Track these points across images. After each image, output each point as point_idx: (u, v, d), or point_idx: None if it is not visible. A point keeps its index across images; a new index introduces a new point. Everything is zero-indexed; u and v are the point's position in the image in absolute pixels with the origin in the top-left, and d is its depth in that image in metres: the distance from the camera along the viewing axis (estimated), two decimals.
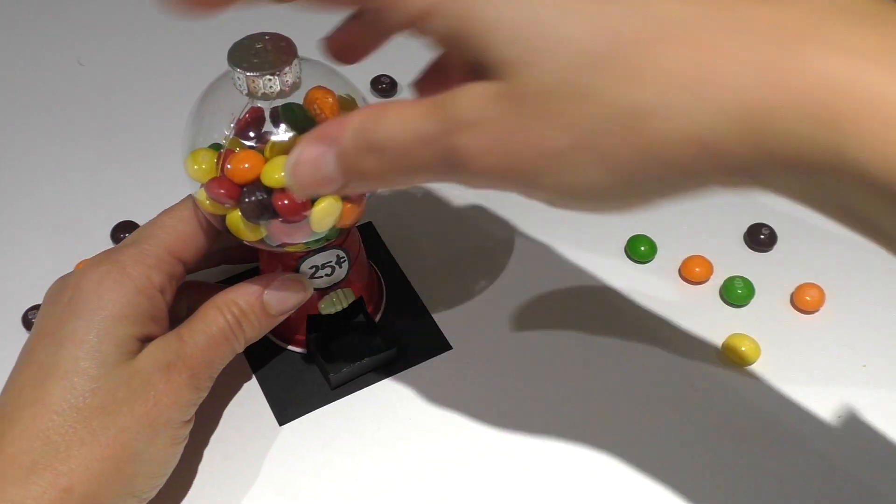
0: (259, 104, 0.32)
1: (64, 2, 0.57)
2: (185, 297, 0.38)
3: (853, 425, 0.39)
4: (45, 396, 0.31)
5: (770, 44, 0.18)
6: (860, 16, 0.19)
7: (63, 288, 0.34)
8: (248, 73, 0.30)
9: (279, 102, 0.32)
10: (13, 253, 0.45)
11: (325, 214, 0.32)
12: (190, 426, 0.35)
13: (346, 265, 0.38)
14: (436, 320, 0.42)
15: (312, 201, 0.32)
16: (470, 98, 0.23)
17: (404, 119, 0.24)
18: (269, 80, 0.31)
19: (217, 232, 0.36)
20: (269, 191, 0.32)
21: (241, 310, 0.35)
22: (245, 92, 0.31)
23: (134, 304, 0.33)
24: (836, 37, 0.19)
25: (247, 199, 0.32)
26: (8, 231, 0.46)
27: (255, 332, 0.36)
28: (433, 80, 0.33)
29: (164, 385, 0.33)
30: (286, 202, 0.31)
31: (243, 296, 0.35)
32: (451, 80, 0.28)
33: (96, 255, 0.35)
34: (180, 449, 0.34)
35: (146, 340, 0.34)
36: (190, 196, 0.36)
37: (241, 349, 0.36)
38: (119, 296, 0.33)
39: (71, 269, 0.43)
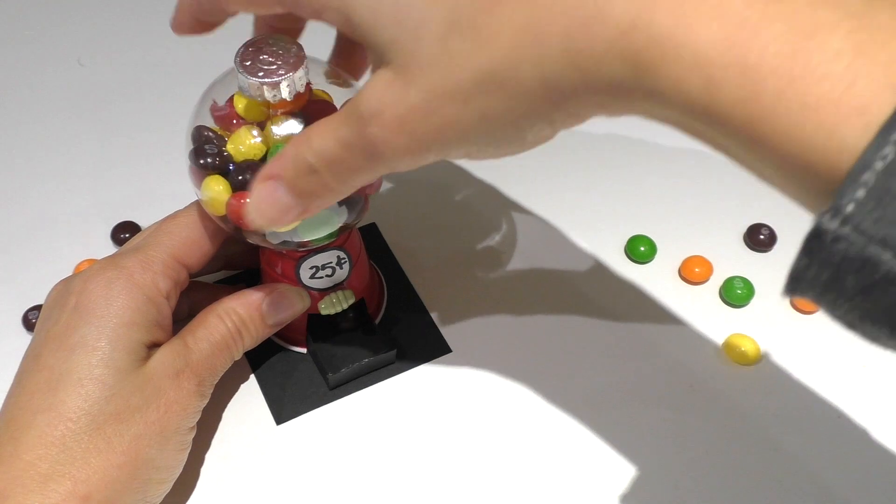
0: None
1: (64, 2, 0.57)
2: (185, 298, 0.38)
3: (853, 426, 0.39)
4: (58, 403, 0.31)
5: None
6: None
7: (67, 292, 0.34)
8: (248, 78, 0.30)
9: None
10: (13, 253, 0.45)
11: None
12: (193, 433, 0.35)
13: (346, 266, 0.38)
14: (437, 323, 0.42)
15: None
16: (373, 89, 0.24)
17: (326, 133, 0.26)
18: (270, 90, 0.30)
19: (222, 236, 0.36)
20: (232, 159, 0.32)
21: (240, 318, 0.36)
22: (241, 87, 0.31)
23: (142, 311, 0.33)
24: None
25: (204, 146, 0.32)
26: (8, 231, 0.45)
27: (253, 340, 0.37)
28: (346, 53, 0.35)
29: (174, 392, 0.33)
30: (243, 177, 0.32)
31: (243, 305, 0.36)
32: (357, 51, 0.34)
33: (99, 261, 0.35)
34: (186, 456, 0.35)
35: (153, 347, 0.34)
36: (195, 202, 0.36)
37: (239, 357, 0.37)
38: (128, 302, 0.33)
39: (71, 270, 0.43)
